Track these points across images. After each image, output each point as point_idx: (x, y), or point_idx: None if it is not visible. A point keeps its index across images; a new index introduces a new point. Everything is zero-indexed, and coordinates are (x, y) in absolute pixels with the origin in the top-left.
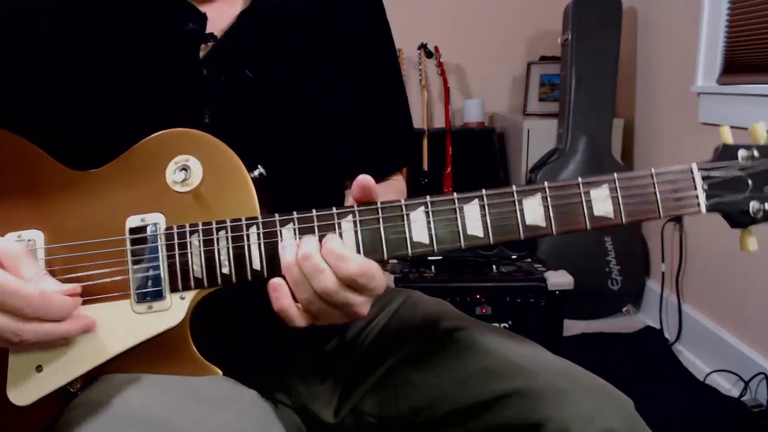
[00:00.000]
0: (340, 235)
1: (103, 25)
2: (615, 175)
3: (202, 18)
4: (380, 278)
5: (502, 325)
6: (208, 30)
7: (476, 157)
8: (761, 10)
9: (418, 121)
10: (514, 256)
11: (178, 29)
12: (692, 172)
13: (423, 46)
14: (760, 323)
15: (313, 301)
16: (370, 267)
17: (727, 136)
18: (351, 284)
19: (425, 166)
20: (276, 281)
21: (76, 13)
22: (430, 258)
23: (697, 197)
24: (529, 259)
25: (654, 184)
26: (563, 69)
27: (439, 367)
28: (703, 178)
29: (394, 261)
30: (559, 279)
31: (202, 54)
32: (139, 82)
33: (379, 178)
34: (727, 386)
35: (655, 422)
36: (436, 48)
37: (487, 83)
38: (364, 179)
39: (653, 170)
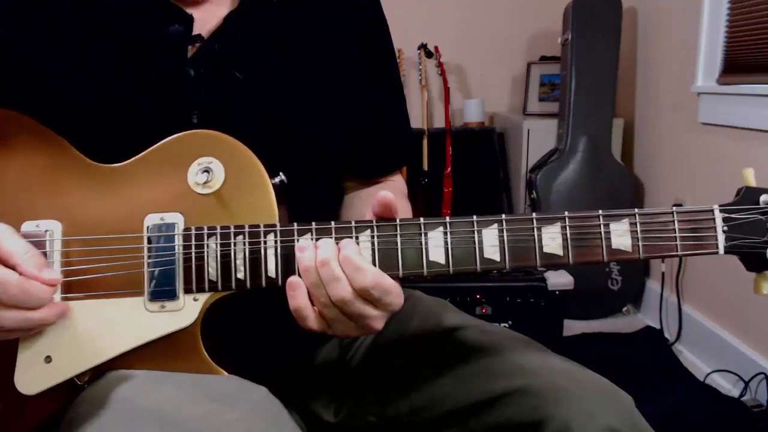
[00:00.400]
0: (357, 245)
1: (91, 26)
2: (636, 210)
3: (188, 19)
4: (396, 294)
5: (502, 325)
6: (196, 31)
7: (476, 157)
8: (761, 10)
9: (418, 121)
10: None
11: (163, 31)
12: (714, 213)
13: (423, 46)
14: (760, 323)
15: (328, 305)
16: (384, 280)
17: (750, 179)
18: (365, 296)
19: (425, 166)
20: (295, 280)
21: (64, 15)
22: None
23: (716, 238)
24: None
25: (674, 221)
26: (563, 69)
27: (440, 366)
28: (724, 220)
29: None
30: (559, 279)
31: (190, 55)
32: (127, 83)
33: (379, 177)
34: (727, 386)
35: (655, 422)
36: (436, 48)
37: (487, 83)
38: (386, 196)
39: (675, 208)
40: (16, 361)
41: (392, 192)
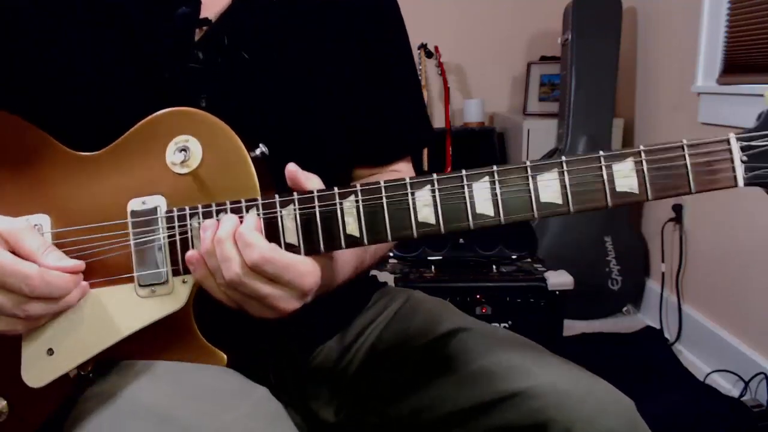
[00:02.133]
0: (342, 216)
1: (97, 9)
2: (641, 146)
3: (196, 2)
4: (300, 273)
5: (502, 325)
6: (204, 14)
7: (476, 157)
8: (761, 10)
9: None
10: (514, 256)
11: (171, 13)
12: (729, 143)
13: (423, 46)
14: (760, 323)
15: (224, 286)
16: (278, 256)
17: None
18: (260, 272)
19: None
20: (191, 255)
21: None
22: (430, 258)
23: (733, 170)
24: (529, 259)
25: (685, 156)
26: (563, 69)
27: (440, 367)
28: (742, 149)
29: (394, 261)
30: (559, 279)
31: (197, 38)
32: (134, 66)
33: (383, 165)
34: (727, 386)
35: (656, 422)
36: (436, 48)
37: (487, 83)
38: (292, 168)
39: (685, 141)
40: (21, 357)
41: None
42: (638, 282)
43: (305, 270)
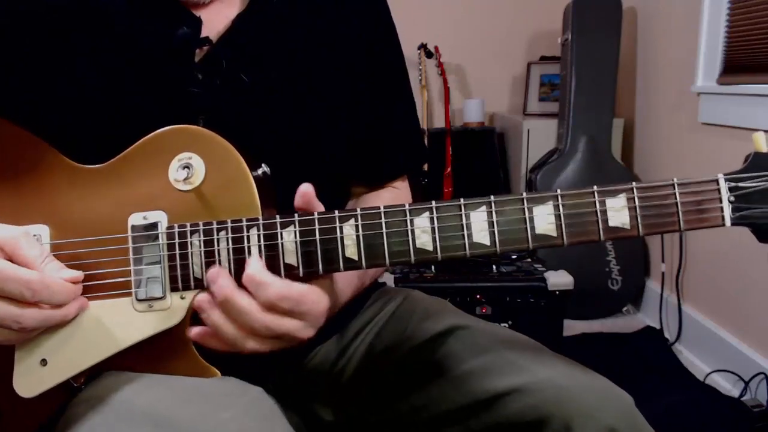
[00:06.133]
0: (341, 239)
1: (98, 29)
2: (633, 184)
3: (197, 22)
4: (312, 301)
5: (502, 325)
6: (204, 34)
7: (476, 157)
8: (761, 10)
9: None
10: (514, 256)
11: (171, 34)
12: (718, 183)
13: (423, 46)
14: (760, 323)
15: (249, 337)
16: (292, 290)
17: (762, 144)
18: (276, 309)
19: (425, 167)
20: (202, 299)
21: (70, 17)
22: None
23: (721, 210)
24: (529, 259)
25: (675, 194)
26: (563, 69)
27: (439, 365)
28: (730, 189)
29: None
30: (559, 279)
31: (197, 59)
32: (134, 86)
33: (381, 182)
34: (727, 386)
35: (655, 422)
36: (436, 48)
37: (487, 83)
38: (306, 189)
39: (676, 180)
40: (13, 366)
41: (393, 199)
42: (638, 282)
43: (318, 297)
